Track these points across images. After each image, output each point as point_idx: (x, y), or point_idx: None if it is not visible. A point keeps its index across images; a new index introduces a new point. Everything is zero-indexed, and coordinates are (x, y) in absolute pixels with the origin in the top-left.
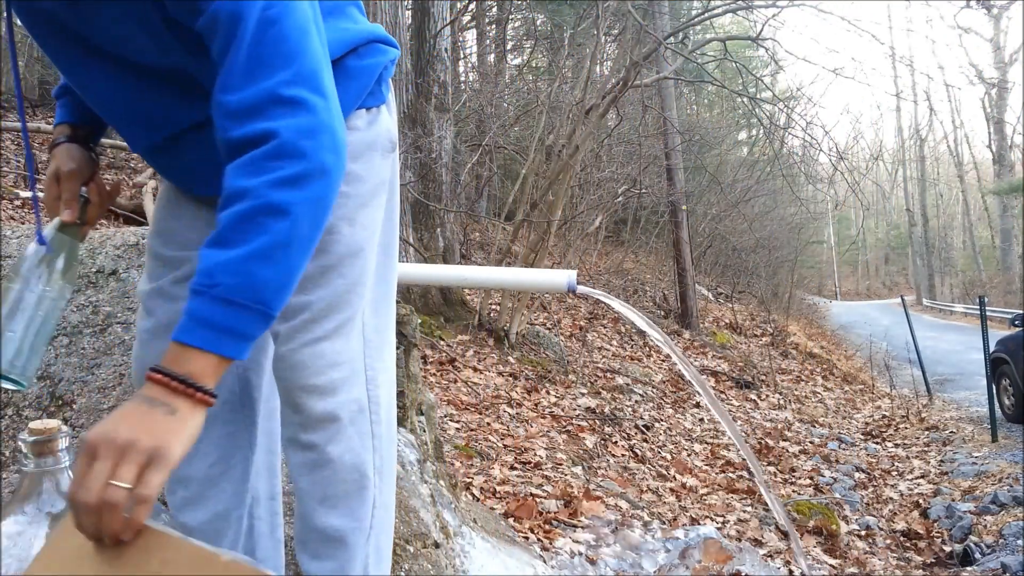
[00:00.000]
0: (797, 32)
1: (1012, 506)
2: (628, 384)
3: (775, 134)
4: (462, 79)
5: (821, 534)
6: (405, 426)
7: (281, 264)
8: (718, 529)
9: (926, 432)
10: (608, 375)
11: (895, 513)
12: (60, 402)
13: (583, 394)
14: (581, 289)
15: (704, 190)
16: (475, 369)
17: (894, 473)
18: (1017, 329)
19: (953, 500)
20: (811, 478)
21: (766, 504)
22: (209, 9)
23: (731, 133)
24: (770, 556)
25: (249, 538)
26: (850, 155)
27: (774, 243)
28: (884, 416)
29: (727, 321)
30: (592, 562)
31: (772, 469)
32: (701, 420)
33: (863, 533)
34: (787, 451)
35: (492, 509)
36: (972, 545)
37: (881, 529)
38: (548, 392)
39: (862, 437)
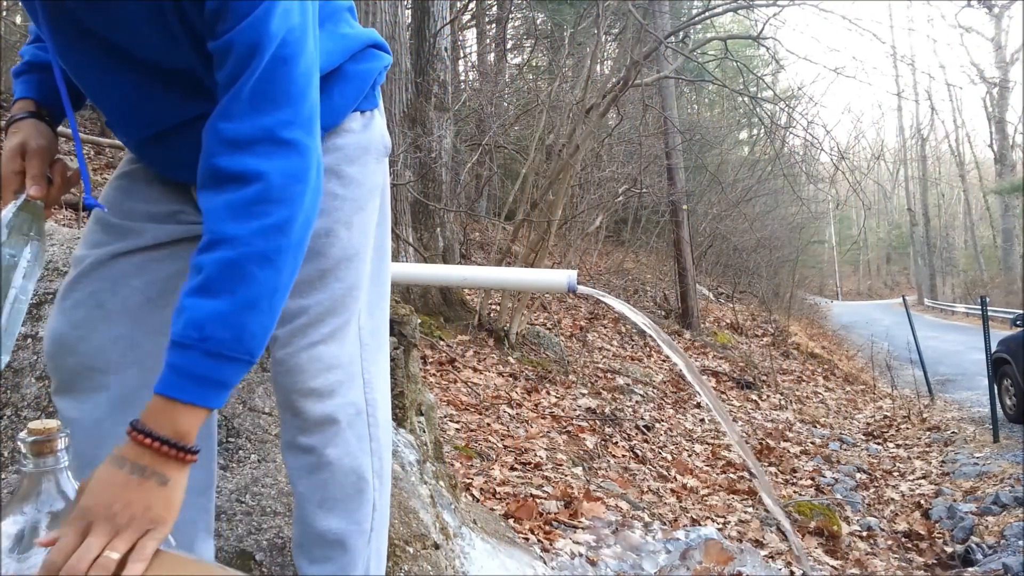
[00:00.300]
0: (798, 31)
1: (1014, 507)
2: (628, 384)
3: (776, 133)
4: (462, 78)
5: (822, 535)
6: (405, 426)
7: (266, 313)
8: (719, 530)
9: (927, 432)
10: (608, 375)
11: (896, 514)
12: None
13: (583, 394)
14: (581, 289)
15: (705, 190)
16: (475, 369)
17: (895, 474)
18: (1019, 329)
19: (955, 501)
20: (812, 479)
21: (767, 504)
22: (226, 36)
23: (732, 132)
24: (771, 557)
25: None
26: (851, 154)
27: (775, 243)
28: (885, 416)
29: (728, 321)
30: (592, 563)
31: (773, 470)
32: (702, 421)
33: (864, 534)
34: (788, 452)
35: (492, 510)
36: (973, 546)
37: (882, 530)
38: (548, 392)
39: (863, 438)
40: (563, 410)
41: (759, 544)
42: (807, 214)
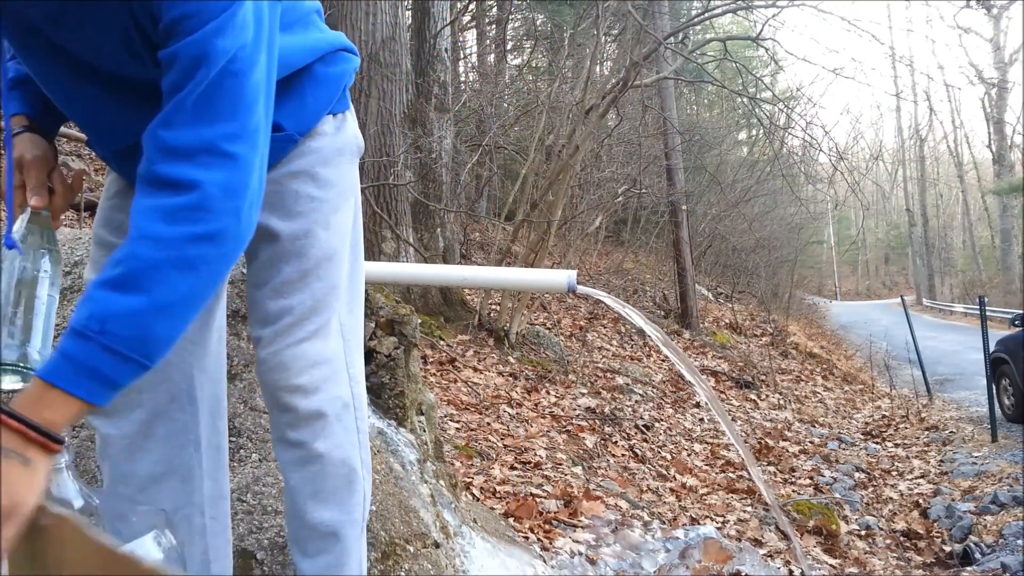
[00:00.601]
0: (797, 32)
1: (1012, 506)
2: (628, 384)
3: (775, 134)
4: (462, 79)
5: (821, 534)
6: (405, 426)
7: (177, 321)
8: (718, 529)
9: (926, 432)
10: (608, 375)
11: (895, 513)
12: None
13: (583, 394)
14: (581, 289)
15: (704, 190)
16: (475, 369)
17: (894, 473)
18: (1017, 329)
19: (953, 500)
20: (811, 478)
21: (766, 504)
22: (173, 47)
23: (731, 133)
24: (770, 556)
25: (202, 537)
26: (850, 155)
27: (774, 243)
28: (884, 416)
29: (727, 321)
30: (592, 562)
31: (772, 469)
32: (701, 420)
33: (863, 533)
34: (787, 451)
35: (492, 509)
36: (972, 545)
37: (881, 529)
38: (548, 392)
39: (862, 437)
40: (563, 410)
41: (758, 543)
42: (806, 214)
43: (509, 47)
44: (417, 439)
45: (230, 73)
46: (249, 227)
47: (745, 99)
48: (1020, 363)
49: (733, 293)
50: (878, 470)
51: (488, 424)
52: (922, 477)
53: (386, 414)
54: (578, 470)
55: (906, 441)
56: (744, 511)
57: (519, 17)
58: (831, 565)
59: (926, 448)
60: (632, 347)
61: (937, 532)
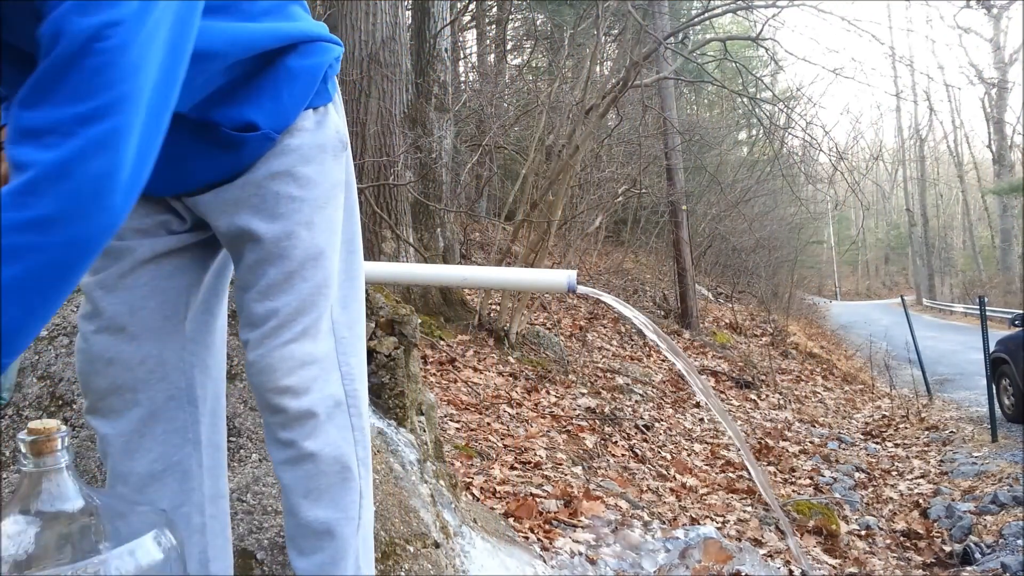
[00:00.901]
0: (797, 32)
1: (1012, 506)
2: (628, 384)
3: (775, 134)
4: (462, 79)
5: (821, 534)
6: (405, 426)
7: (9, 314)
8: (718, 529)
9: (926, 432)
10: (608, 375)
11: (895, 513)
12: (60, 402)
13: (583, 394)
14: (581, 289)
15: (704, 190)
16: (475, 369)
17: (894, 473)
18: (1017, 329)
19: (953, 500)
20: (811, 478)
21: (766, 504)
22: (40, 28)
23: (731, 133)
24: (770, 556)
25: (202, 536)
26: (850, 155)
27: (774, 243)
28: (884, 416)
29: (727, 321)
30: (592, 562)
31: (772, 469)
32: (701, 420)
33: (863, 533)
34: (787, 451)
35: (492, 509)
36: (972, 545)
37: (881, 529)
38: (548, 392)
39: (862, 437)
40: (563, 410)
41: (758, 543)
42: (806, 214)
43: (509, 47)
44: (417, 439)
45: (91, 52)
46: (101, 214)
47: (745, 99)
48: (1020, 363)
49: (733, 293)
50: (878, 470)
51: (488, 424)
52: (922, 477)
53: (386, 414)
54: (578, 470)
55: (906, 441)
56: (744, 511)
57: (519, 17)
58: (831, 565)
59: (926, 448)
60: (632, 347)
61: (937, 532)
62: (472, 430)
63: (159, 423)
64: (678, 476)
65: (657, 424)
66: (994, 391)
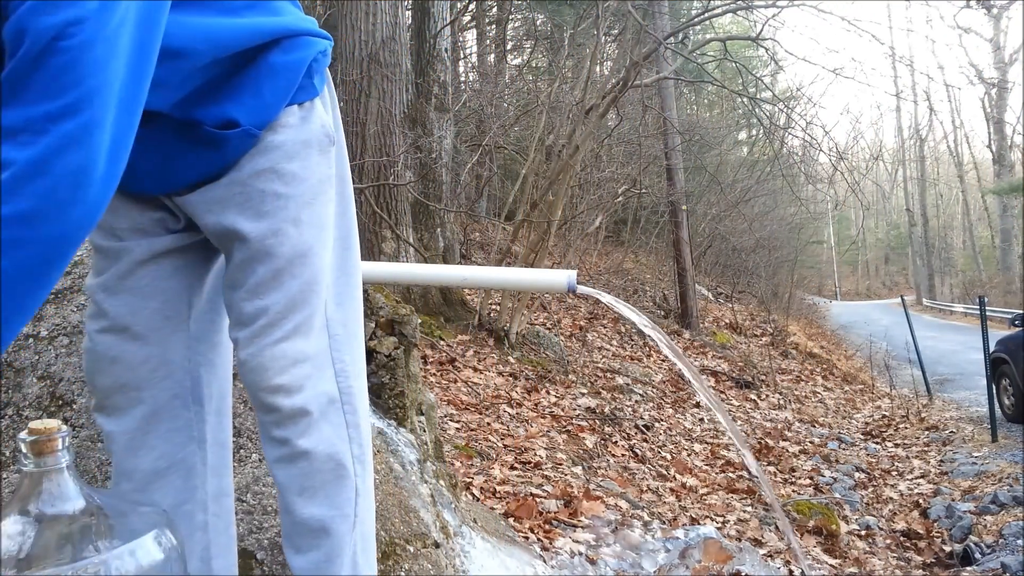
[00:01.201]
0: (797, 32)
1: (1012, 506)
2: (628, 384)
3: (775, 134)
4: (462, 79)
5: (821, 534)
6: (405, 426)
7: None
8: (718, 529)
9: (926, 432)
10: (608, 375)
11: (895, 513)
12: (60, 402)
13: (583, 394)
14: (581, 289)
15: (704, 190)
16: (475, 369)
17: (894, 473)
18: (1017, 329)
19: (953, 500)
20: (811, 478)
21: (766, 504)
22: (3, 31)
23: (731, 133)
24: (770, 556)
25: (205, 533)
26: (850, 155)
27: (774, 243)
28: (884, 416)
29: (727, 321)
30: (592, 562)
31: (772, 469)
32: (701, 420)
33: (863, 533)
34: (787, 451)
35: (492, 509)
36: (972, 545)
37: (881, 529)
38: (548, 392)
39: (862, 437)
40: (563, 410)
41: (758, 543)
42: (806, 214)
43: (509, 47)
44: (417, 439)
45: (56, 50)
46: (77, 207)
47: (745, 99)
48: (1020, 363)
49: (733, 293)
50: (878, 470)
51: (488, 424)
52: (922, 477)
53: (386, 414)
54: (578, 470)
55: (906, 441)
56: (744, 511)
57: (519, 17)
58: (831, 565)
59: (926, 448)
60: (632, 347)
61: (937, 532)
62: (472, 430)
63: (163, 421)
64: (678, 476)
65: (657, 424)
66: (994, 391)
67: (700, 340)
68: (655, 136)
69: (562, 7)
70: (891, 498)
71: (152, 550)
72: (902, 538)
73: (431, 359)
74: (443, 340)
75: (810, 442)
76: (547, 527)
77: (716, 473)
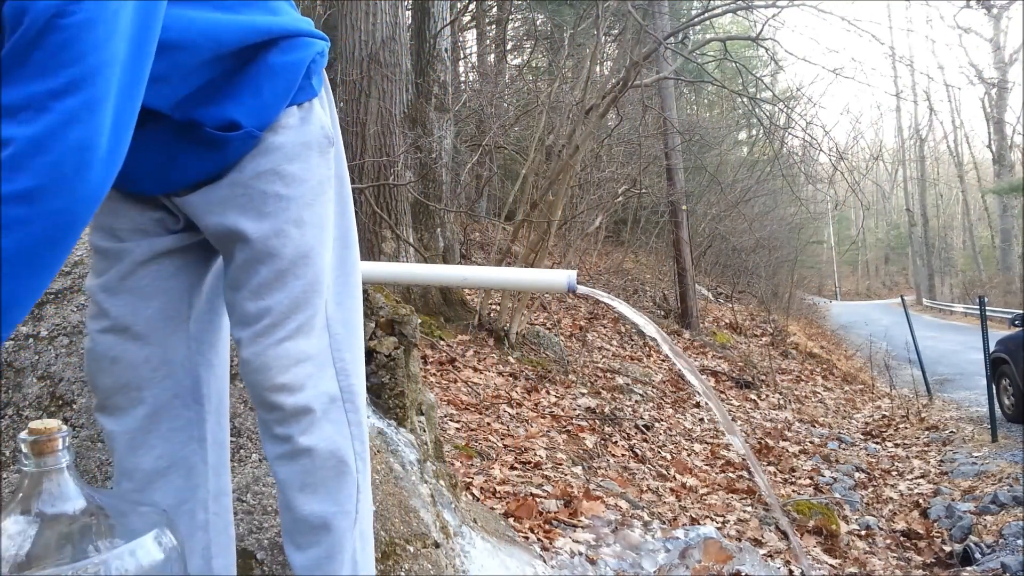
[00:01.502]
0: (797, 32)
1: (1012, 506)
2: (628, 384)
3: (775, 134)
4: (462, 79)
5: (821, 534)
6: (405, 426)
7: (3, 285)
8: (718, 529)
9: (926, 432)
10: (608, 375)
11: (895, 513)
12: (60, 402)
13: (583, 394)
14: (581, 289)
15: (704, 190)
16: (475, 369)
17: (894, 473)
18: (1017, 329)
19: (953, 500)
20: (811, 478)
21: (766, 504)
22: (3, 9)
23: (731, 133)
24: (770, 556)
25: (205, 532)
26: (850, 155)
27: (774, 243)
28: (884, 416)
29: (727, 321)
30: (592, 562)
31: (772, 469)
32: (701, 420)
33: (863, 533)
34: (787, 451)
35: (492, 509)
36: (972, 545)
37: (881, 529)
38: (548, 392)
39: (862, 437)
40: (563, 410)
41: (758, 543)
42: (806, 214)
43: (509, 47)
44: (417, 439)
45: (56, 28)
46: (82, 185)
47: (745, 99)
48: (1020, 363)
49: (733, 293)
50: (878, 470)
51: (488, 424)
52: (922, 477)
53: (386, 414)
54: (578, 470)
55: (906, 441)
56: (744, 511)
57: (519, 17)
58: (831, 565)
59: (926, 448)
60: (632, 347)
61: (937, 532)
62: (472, 430)
63: (164, 420)
64: (678, 476)
65: (657, 424)
66: (994, 391)
67: (700, 340)
68: (655, 136)
69: (562, 7)
70: (891, 498)
71: (152, 550)
72: (902, 538)
73: (431, 359)
74: (443, 340)
75: (810, 442)
76: (547, 527)
77: (716, 473)
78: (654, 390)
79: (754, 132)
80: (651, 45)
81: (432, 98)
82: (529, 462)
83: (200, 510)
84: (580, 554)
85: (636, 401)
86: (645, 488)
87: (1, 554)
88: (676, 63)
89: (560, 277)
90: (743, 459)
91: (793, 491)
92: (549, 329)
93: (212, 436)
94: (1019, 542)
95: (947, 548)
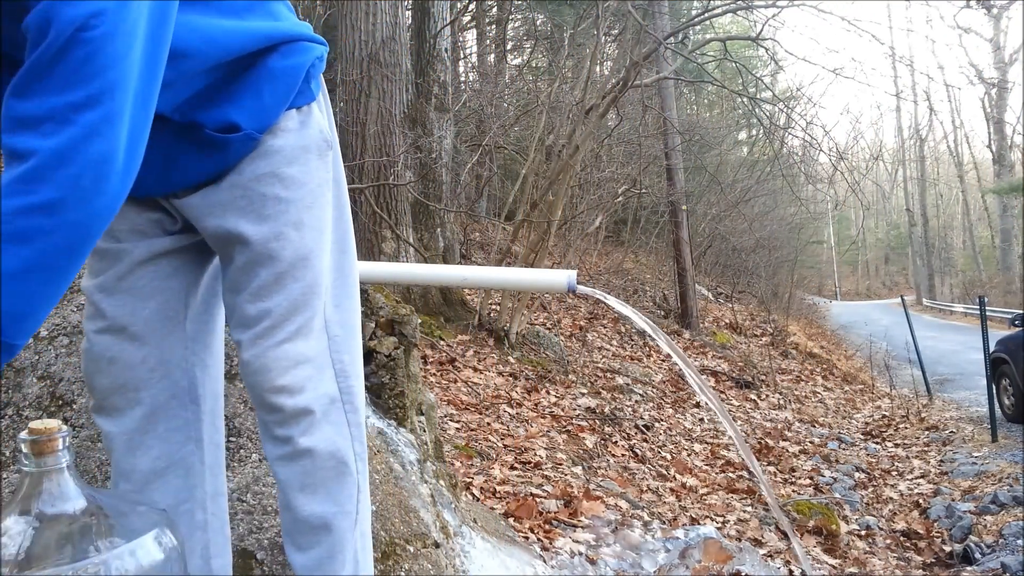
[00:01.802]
0: (797, 32)
1: (1012, 506)
2: (628, 384)
3: (775, 134)
4: (462, 79)
5: (821, 534)
6: (405, 426)
7: (22, 295)
8: (718, 529)
9: (926, 432)
10: (608, 375)
11: (895, 513)
12: (60, 402)
13: (583, 394)
14: (581, 289)
15: (704, 190)
16: (475, 369)
17: (894, 473)
18: (1017, 329)
19: (953, 500)
20: (811, 478)
21: (766, 504)
22: (26, 19)
23: (731, 133)
24: (770, 556)
25: (204, 532)
26: (850, 155)
27: (774, 243)
28: (884, 416)
29: (727, 321)
30: (592, 562)
31: (772, 469)
32: (701, 420)
33: (863, 533)
34: (787, 451)
35: (492, 509)
36: (972, 545)
37: (881, 529)
38: (548, 392)
39: (862, 437)
40: (563, 410)
41: (758, 543)
42: (806, 214)
43: (509, 47)
44: (417, 439)
45: (79, 41)
46: (100, 197)
47: (745, 99)
48: (1020, 363)
49: (733, 293)
50: (878, 470)
51: (488, 424)
52: (922, 477)
53: (386, 414)
54: (578, 470)
55: (906, 441)
56: (744, 511)
57: (519, 17)
58: (831, 565)
59: (926, 448)
60: (632, 347)
61: (937, 532)
62: (472, 430)
63: (161, 421)
64: (678, 476)
65: (657, 424)
66: (994, 391)
67: (700, 340)
68: (655, 136)
69: (562, 7)
70: (891, 498)
71: (152, 550)
72: (902, 538)
73: (431, 359)
74: (443, 340)
75: (810, 442)
76: (547, 527)
77: (716, 473)
78: (654, 390)
79: (754, 132)
80: (651, 45)
81: (432, 98)
82: (529, 462)
83: (198, 510)
84: (580, 554)
85: (636, 401)
86: (645, 488)
87: (1, 554)
88: (676, 63)
89: (560, 277)
90: (743, 458)
91: (793, 491)
92: (549, 329)
93: (208, 437)
94: (1019, 542)
95: (947, 548)
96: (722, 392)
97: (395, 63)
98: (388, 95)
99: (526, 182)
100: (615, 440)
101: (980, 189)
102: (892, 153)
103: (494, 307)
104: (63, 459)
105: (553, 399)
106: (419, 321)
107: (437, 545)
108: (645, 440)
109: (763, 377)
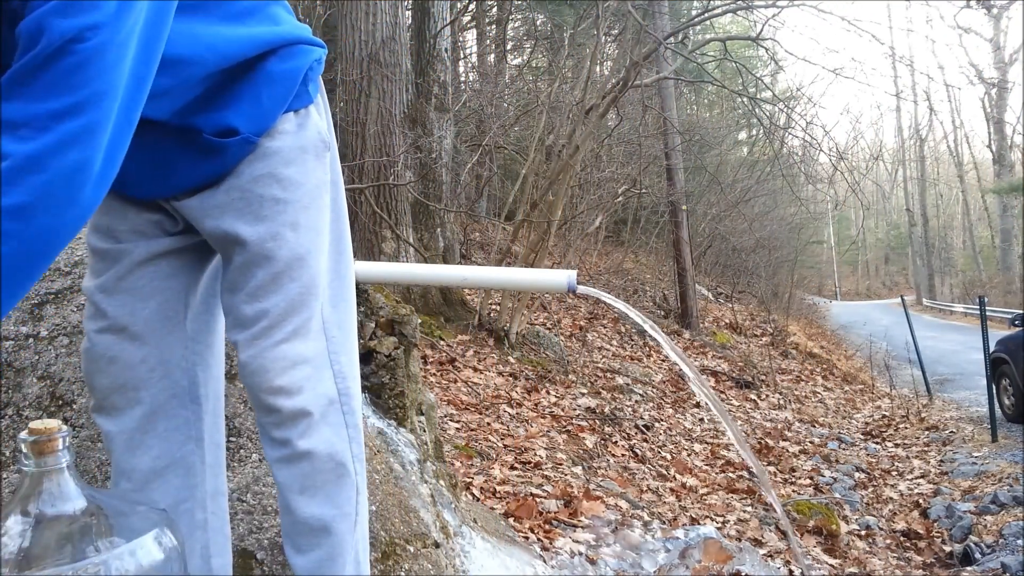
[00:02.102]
0: (797, 32)
1: (1012, 506)
2: (628, 384)
3: (775, 134)
4: (462, 79)
5: (821, 534)
6: (405, 426)
7: None
8: (718, 529)
9: (926, 432)
10: (608, 375)
11: (895, 513)
12: (60, 402)
13: (583, 394)
14: (581, 289)
15: (704, 190)
16: (475, 369)
17: (894, 473)
18: (1017, 329)
19: (953, 500)
20: (811, 478)
21: (766, 504)
22: (20, 26)
23: (731, 133)
24: (770, 556)
25: (204, 532)
26: (850, 155)
27: (774, 243)
28: (884, 416)
29: (727, 321)
30: (592, 562)
31: (772, 469)
32: (701, 420)
33: (863, 533)
34: (787, 451)
35: (492, 509)
36: (972, 545)
37: (881, 529)
38: (548, 392)
39: (862, 437)
40: (563, 410)
41: (758, 543)
42: (806, 214)
43: (509, 47)
44: (417, 439)
45: (69, 52)
46: (72, 207)
47: (745, 99)
48: (1020, 363)
49: (733, 293)
50: (878, 470)
51: (488, 424)
52: (922, 477)
53: (386, 414)
54: (578, 470)
55: (906, 441)
56: (744, 511)
57: (519, 17)
58: (831, 565)
59: (926, 448)
60: (632, 347)
61: (937, 532)
62: (472, 430)
63: (161, 420)
64: (678, 476)
65: (657, 424)
66: (994, 391)
67: (700, 340)
68: (655, 136)
69: (562, 7)
70: (891, 498)
71: (152, 550)
72: (902, 538)
73: (431, 359)
74: (443, 340)
75: (810, 442)
76: (547, 527)
77: (716, 473)
78: (654, 390)
79: (754, 132)
80: (651, 45)
81: (432, 98)
82: (529, 462)
83: (198, 509)
84: (580, 554)
85: (636, 401)
86: (645, 488)
87: (1, 554)
88: (676, 63)
89: (560, 277)
90: (743, 458)
91: (793, 491)
92: (549, 329)
93: (209, 436)
94: (1019, 542)
95: (947, 548)
96: (722, 392)
97: (395, 63)
98: (388, 95)
99: (526, 182)
100: (615, 440)
101: (980, 189)
102: (892, 153)
103: (494, 307)
104: (63, 459)
105: (553, 399)
106: (419, 321)
107: (437, 545)
108: (645, 440)
109: (763, 377)
